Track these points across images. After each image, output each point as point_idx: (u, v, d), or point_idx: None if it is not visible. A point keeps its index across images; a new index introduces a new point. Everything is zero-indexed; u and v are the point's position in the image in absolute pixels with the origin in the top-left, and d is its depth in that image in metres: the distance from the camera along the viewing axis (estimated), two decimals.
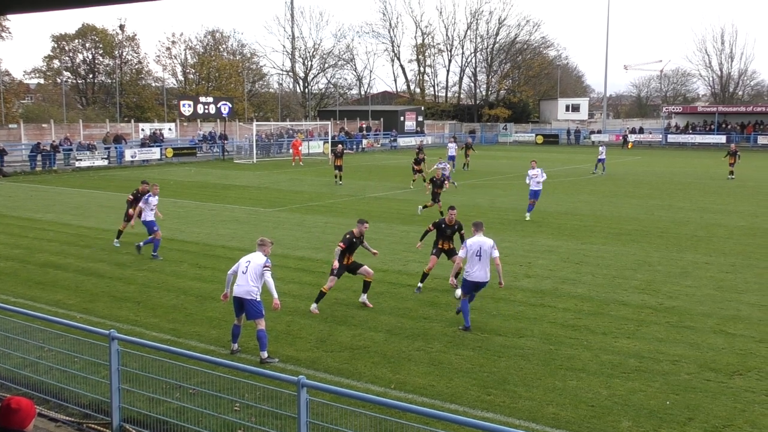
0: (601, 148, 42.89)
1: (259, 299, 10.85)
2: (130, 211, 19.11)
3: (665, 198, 31.17)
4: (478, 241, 12.41)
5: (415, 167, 40.22)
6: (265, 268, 10.84)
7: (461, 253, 12.53)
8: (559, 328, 12.64)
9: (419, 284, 15.08)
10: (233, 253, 18.65)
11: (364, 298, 13.86)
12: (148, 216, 18.30)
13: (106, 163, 46.42)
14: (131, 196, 19.36)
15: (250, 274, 10.78)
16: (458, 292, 13.94)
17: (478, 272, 12.35)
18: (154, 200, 18.44)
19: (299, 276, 16.41)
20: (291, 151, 52.25)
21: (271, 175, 41.76)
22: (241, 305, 10.88)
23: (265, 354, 10.83)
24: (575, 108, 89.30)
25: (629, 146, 71.85)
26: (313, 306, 13.46)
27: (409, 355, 11.25)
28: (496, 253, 12.37)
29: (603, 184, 36.90)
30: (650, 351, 11.50)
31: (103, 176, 40.57)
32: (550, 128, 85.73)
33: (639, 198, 31.17)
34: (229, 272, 11.12)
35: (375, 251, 14.53)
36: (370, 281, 13.70)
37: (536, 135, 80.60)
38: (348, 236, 13.49)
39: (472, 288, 12.54)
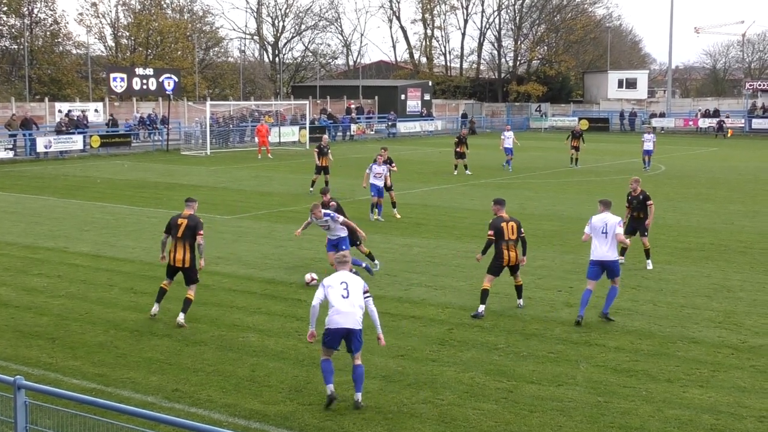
0: (646, 136, 42.88)
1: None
2: None
3: (749, 203, 31.28)
4: (604, 218, 15.27)
5: (458, 149, 40.16)
6: (366, 294, 11.46)
7: (586, 229, 15.50)
8: (609, 374, 12.62)
9: (480, 309, 15.54)
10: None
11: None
12: None
13: (10, 155, 46.40)
14: None
15: (355, 298, 11.30)
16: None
17: (604, 249, 15.12)
18: None
19: (267, 304, 16.38)
20: (256, 139, 52.37)
21: (230, 171, 41.80)
22: (348, 338, 11.29)
23: (360, 396, 11.30)
24: (630, 84, 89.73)
25: (729, 134, 71.70)
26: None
27: (412, 410, 11.23)
28: (619, 230, 15.20)
29: (666, 183, 37.03)
30: (730, 404, 11.50)
31: (7, 172, 40.56)
32: (597, 110, 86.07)
33: (714, 202, 31.27)
34: (314, 303, 11.42)
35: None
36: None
37: (579, 119, 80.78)
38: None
39: (599, 267, 15.19)
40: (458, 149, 40.19)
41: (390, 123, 71.06)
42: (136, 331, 14.60)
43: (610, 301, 15.42)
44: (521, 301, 16.30)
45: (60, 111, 54.44)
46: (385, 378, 12.37)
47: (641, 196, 19.59)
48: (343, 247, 17.56)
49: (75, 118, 52.67)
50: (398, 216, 26.29)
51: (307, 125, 58.40)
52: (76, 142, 49.94)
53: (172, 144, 55.23)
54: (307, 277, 17.82)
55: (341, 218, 17.91)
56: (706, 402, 11.58)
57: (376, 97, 77.16)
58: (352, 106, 71.99)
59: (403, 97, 76.90)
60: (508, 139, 42.26)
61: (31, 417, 8.34)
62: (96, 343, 13.97)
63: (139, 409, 8.46)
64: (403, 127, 72.00)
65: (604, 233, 15.15)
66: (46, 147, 48.23)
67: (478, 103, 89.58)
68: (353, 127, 67.36)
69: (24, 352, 13.50)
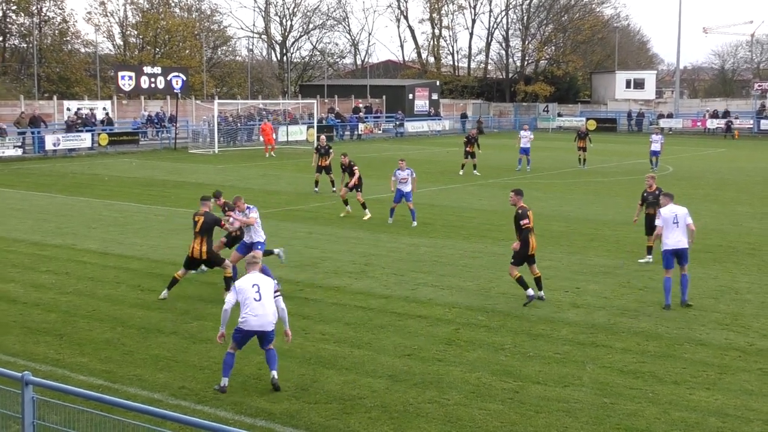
0: (653, 137, 42.82)
1: None
2: None
3: (757, 204, 31.20)
4: (672, 209, 16.44)
5: (468, 149, 40.13)
6: (276, 294, 11.89)
7: (658, 222, 16.53)
8: (616, 375, 12.63)
9: (529, 291, 16.33)
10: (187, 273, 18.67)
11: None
12: None
13: (19, 152, 46.51)
14: None
15: (267, 300, 11.65)
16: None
17: (676, 238, 16.29)
18: None
19: None
20: (261, 138, 52.52)
21: (238, 169, 41.85)
22: (260, 337, 11.74)
23: (276, 374, 11.77)
24: (638, 84, 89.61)
25: (736, 135, 71.57)
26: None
27: (418, 409, 11.25)
28: (689, 220, 16.41)
29: (674, 184, 36.93)
30: (737, 407, 11.49)
31: (16, 170, 40.67)
32: (605, 110, 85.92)
33: (722, 203, 31.20)
34: (226, 307, 11.78)
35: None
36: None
37: (587, 119, 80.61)
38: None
39: (672, 256, 16.28)
40: (468, 149, 40.20)
41: (397, 122, 71.01)
42: (143, 329, 14.65)
43: (686, 288, 16.48)
44: (543, 293, 16.66)
45: (68, 109, 54.54)
46: (391, 377, 12.39)
47: (657, 192, 19.77)
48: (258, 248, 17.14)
49: (83, 116, 52.77)
50: (345, 212, 26.73)
51: (315, 124, 58.39)
52: (84, 140, 50.00)
53: (179, 142, 55.31)
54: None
55: (244, 218, 17.30)
56: (713, 405, 11.56)
57: (384, 97, 77.11)
58: (360, 105, 71.97)
59: (410, 96, 76.85)
60: (525, 138, 42.11)
61: (39, 413, 8.38)
62: (103, 340, 14.01)
63: (145, 406, 8.47)
64: (411, 126, 71.94)
65: (675, 223, 16.33)
66: (54, 145, 48.32)
67: (486, 103, 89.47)
68: (361, 126, 67.31)
69: (32, 349, 13.56)
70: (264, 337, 11.73)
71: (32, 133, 48.51)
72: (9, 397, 8.86)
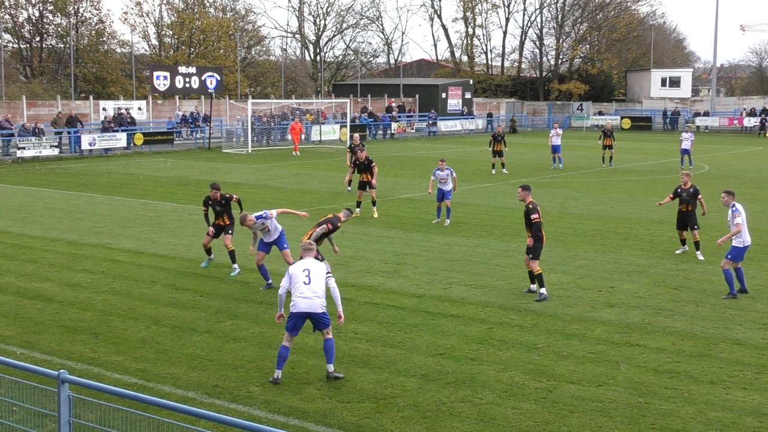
0: (684, 135, 42.52)
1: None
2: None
3: None
4: (740, 208, 17.12)
5: (495, 147, 39.96)
6: (328, 275, 12.31)
7: (739, 220, 16.83)
8: (651, 375, 12.52)
9: (535, 288, 16.85)
10: (221, 271, 18.78)
11: None
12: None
13: (56, 152, 47.03)
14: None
15: (316, 283, 12.03)
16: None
17: (748, 236, 16.97)
18: None
19: None
20: (288, 137, 52.92)
21: (271, 168, 42.02)
22: (313, 320, 12.05)
23: (332, 367, 12.14)
24: (674, 82, 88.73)
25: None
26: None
27: (451, 408, 11.23)
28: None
29: (710, 183, 36.56)
30: None
31: (53, 169, 41.14)
32: (640, 109, 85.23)
33: (760, 202, 30.82)
34: (281, 291, 12.26)
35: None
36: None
37: (621, 118, 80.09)
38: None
39: (743, 253, 16.99)
40: (495, 147, 40.03)
41: (431, 122, 70.93)
42: (177, 327, 14.74)
43: (743, 278, 17.14)
44: (544, 290, 16.72)
45: (104, 109, 55.11)
46: (424, 376, 12.37)
47: (692, 189, 20.50)
48: (284, 246, 17.35)
49: (119, 116, 53.24)
50: (375, 215, 26.47)
51: (348, 123, 58.48)
52: (120, 139, 50.46)
53: (213, 142, 55.65)
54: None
55: (273, 212, 17.34)
56: (749, 404, 11.43)
57: (417, 96, 77.06)
58: (393, 104, 71.95)
59: (443, 95, 76.73)
60: (556, 137, 41.92)
61: (75, 411, 8.44)
62: (138, 339, 14.12)
63: (179, 405, 8.52)
64: (444, 125, 71.82)
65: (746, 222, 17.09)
66: (90, 144, 48.83)
67: (520, 101, 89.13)
68: (394, 125, 67.30)
69: (68, 347, 13.69)
70: (317, 321, 11.98)
71: (69, 133, 49.05)
72: (45, 396, 8.96)
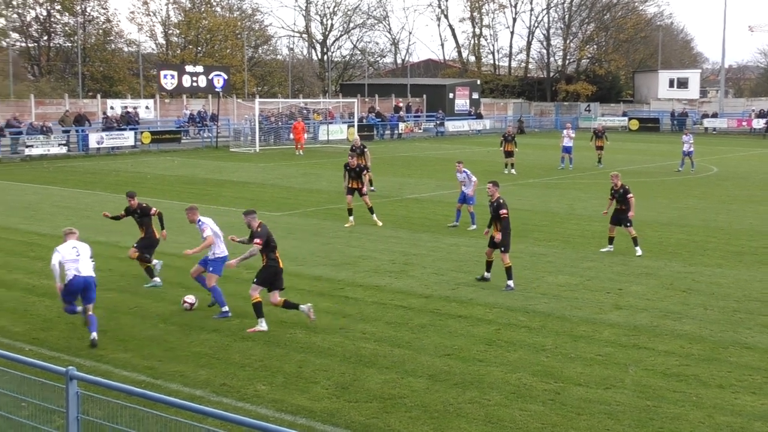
0: (685, 138, 42.53)
1: None
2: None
3: None
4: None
5: (506, 148, 39.87)
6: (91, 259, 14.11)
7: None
8: (659, 378, 12.50)
9: (489, 276, 17.95)
10: (228, 270, 18.76)
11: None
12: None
13: (64, 150, 47.14)
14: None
15: (86, 256, 13.80)
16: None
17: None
18: None
19: (314, 301, 16.39)
20: (291, 135, 52.99)
21: (279, 167, 42.05)
22: (88, 287, 13.71)
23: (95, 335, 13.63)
24: (682, 83, 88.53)
25: None
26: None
27: (459, 409, 11.22)
28: None
29: (718, 185, 36.50)
30: None
31: (61, 167, 41.22)
32: (647, 110, 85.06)
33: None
34: (54, 263, 13.49)
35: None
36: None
37: (629, 119, 79.97)
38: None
39: None
40: (505, 148, 39.97)
41: (438, 122, 70.92)
42: (185, 326, 14.77)
43: None
44: (511, 282, 17.48)
45: (112, 108, 55.22)
46: (431, 377, 12.37)
47: (622, 190, 21.19)
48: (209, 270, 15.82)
49: (127, 115, 53.36)
50: (379, 223, 24.96)
51: (356, 123, 58.49)
52: (127, 138, 50.58)
53: (221, 141, 55.72)
54: (189, 300, 15.91)
55: (206, 228, 15.92)
56: (758, 409, 11.40)
57: (424, 96, 77.01)
58: (400, 104, 71.95)
59: (451, 95, 76.68)
60: (567, 138, 41.85)
61: (83, 407, 8.46)
62: (146, 337, 14.15)
63: (187, 402, 8.53)
64: (451, 125, 71.81)
65: None
66: (98, 143, 48.95)
67: (527, 102, 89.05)
68: (401, 125, 67.33)
69: (76, 344, 13.74)
70: (89, 289, 13.78)
71: (76, 131, 49.15)
72: (54, 392, 8.97)
